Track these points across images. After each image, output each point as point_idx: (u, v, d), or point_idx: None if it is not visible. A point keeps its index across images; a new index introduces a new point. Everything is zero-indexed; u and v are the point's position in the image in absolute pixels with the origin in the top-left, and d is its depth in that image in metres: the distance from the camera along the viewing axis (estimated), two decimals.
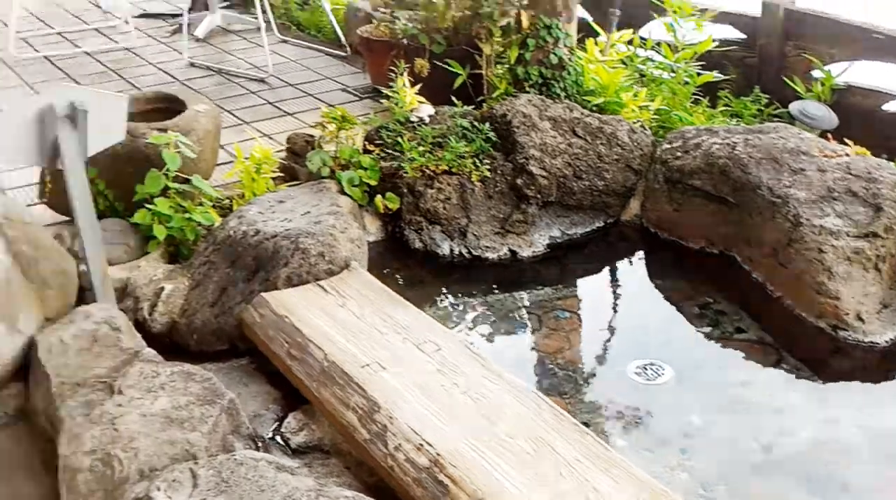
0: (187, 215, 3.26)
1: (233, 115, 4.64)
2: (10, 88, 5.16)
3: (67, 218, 3.49)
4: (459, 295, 3.33)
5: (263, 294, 2.86)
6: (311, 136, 3.85)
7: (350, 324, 2.72)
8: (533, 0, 4.06)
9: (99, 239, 2.86)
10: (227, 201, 3.53)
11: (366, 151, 3.73)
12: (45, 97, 2.56)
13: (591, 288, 3.47)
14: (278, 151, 3.91)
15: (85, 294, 2.94)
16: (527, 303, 3.26)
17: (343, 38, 5.63)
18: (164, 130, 3.29)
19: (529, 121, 3.66)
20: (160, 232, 3.21)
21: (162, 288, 3.03)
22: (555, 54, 4.06)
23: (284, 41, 5.92)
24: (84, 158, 2.75)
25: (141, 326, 2.87)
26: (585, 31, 4.48)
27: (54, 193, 3.41)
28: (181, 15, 6.29)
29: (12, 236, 2.70)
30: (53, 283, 2.78)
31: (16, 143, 2.63)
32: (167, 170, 3.24)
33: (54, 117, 2.58)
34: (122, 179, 3.29)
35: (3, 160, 2.66)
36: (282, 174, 3.74)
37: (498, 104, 3.79)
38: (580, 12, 4.29)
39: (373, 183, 3.62)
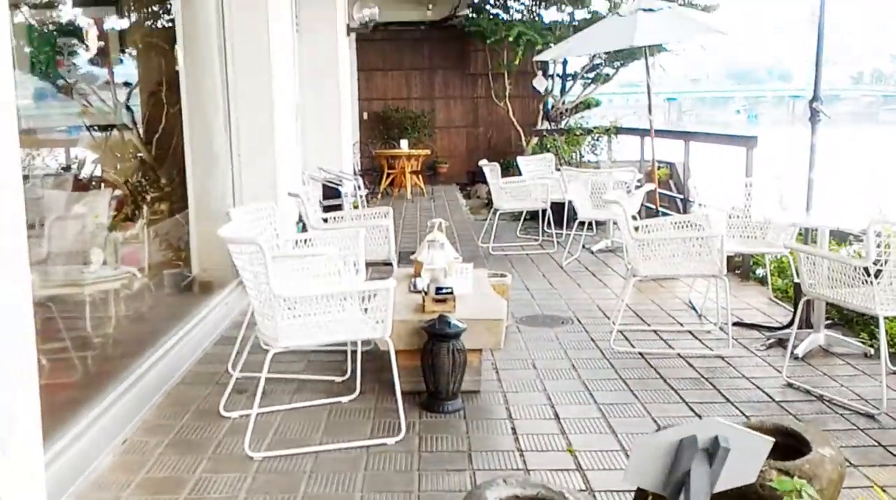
0: None
1: None
2: (607, 380, 5.36)
3: None
4: None
5: None
6: None
7: None
8: None
9: None
10: None
11: None
12: (690, 428, 2.42)
13: None
14: None
15: None
16: None
17: None
18: (788, 473, 2.93)
19: None
20: None
21: None
22: None
23: None
24: (709, 494, 2.52)
25: None
26: None
27: None
28: (781, 329, 6.09)
29: None
30: None
31: (644, 466, 2.51)
32: None
33: (694, 449, 2.42)
34: None
35: (626, 479, 2.54)
36: None
37: None
38: None
39: None
